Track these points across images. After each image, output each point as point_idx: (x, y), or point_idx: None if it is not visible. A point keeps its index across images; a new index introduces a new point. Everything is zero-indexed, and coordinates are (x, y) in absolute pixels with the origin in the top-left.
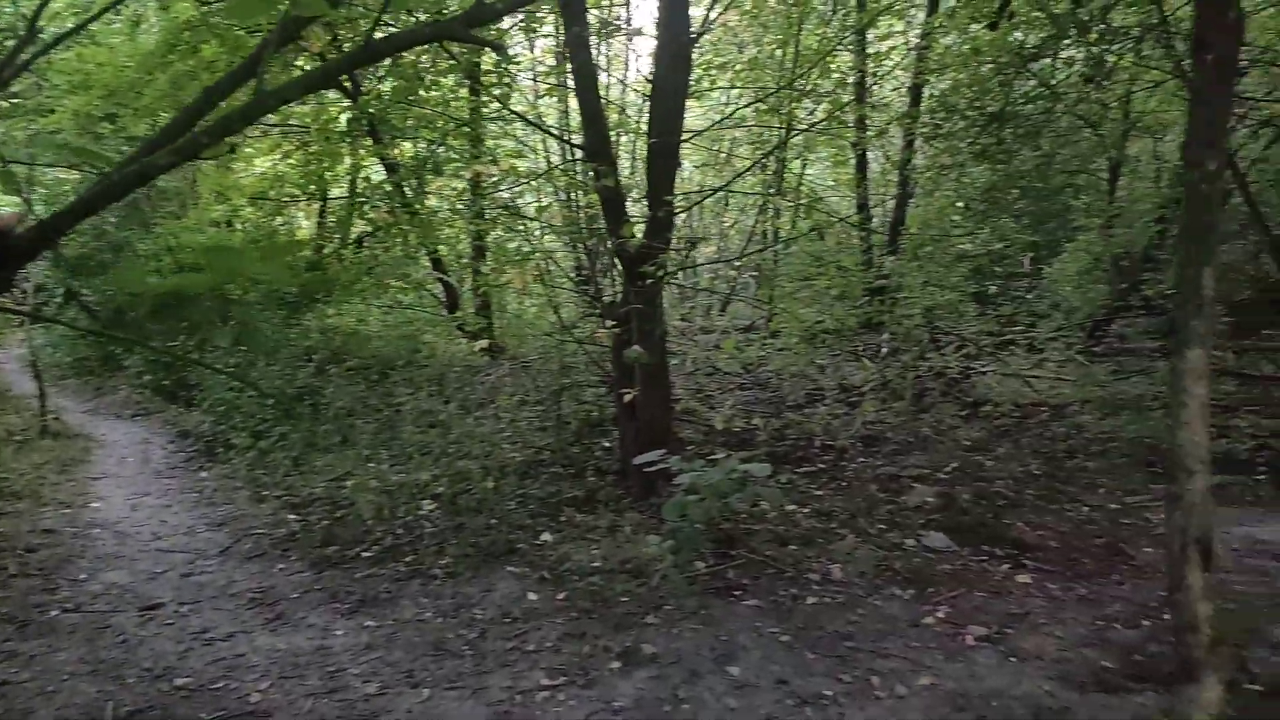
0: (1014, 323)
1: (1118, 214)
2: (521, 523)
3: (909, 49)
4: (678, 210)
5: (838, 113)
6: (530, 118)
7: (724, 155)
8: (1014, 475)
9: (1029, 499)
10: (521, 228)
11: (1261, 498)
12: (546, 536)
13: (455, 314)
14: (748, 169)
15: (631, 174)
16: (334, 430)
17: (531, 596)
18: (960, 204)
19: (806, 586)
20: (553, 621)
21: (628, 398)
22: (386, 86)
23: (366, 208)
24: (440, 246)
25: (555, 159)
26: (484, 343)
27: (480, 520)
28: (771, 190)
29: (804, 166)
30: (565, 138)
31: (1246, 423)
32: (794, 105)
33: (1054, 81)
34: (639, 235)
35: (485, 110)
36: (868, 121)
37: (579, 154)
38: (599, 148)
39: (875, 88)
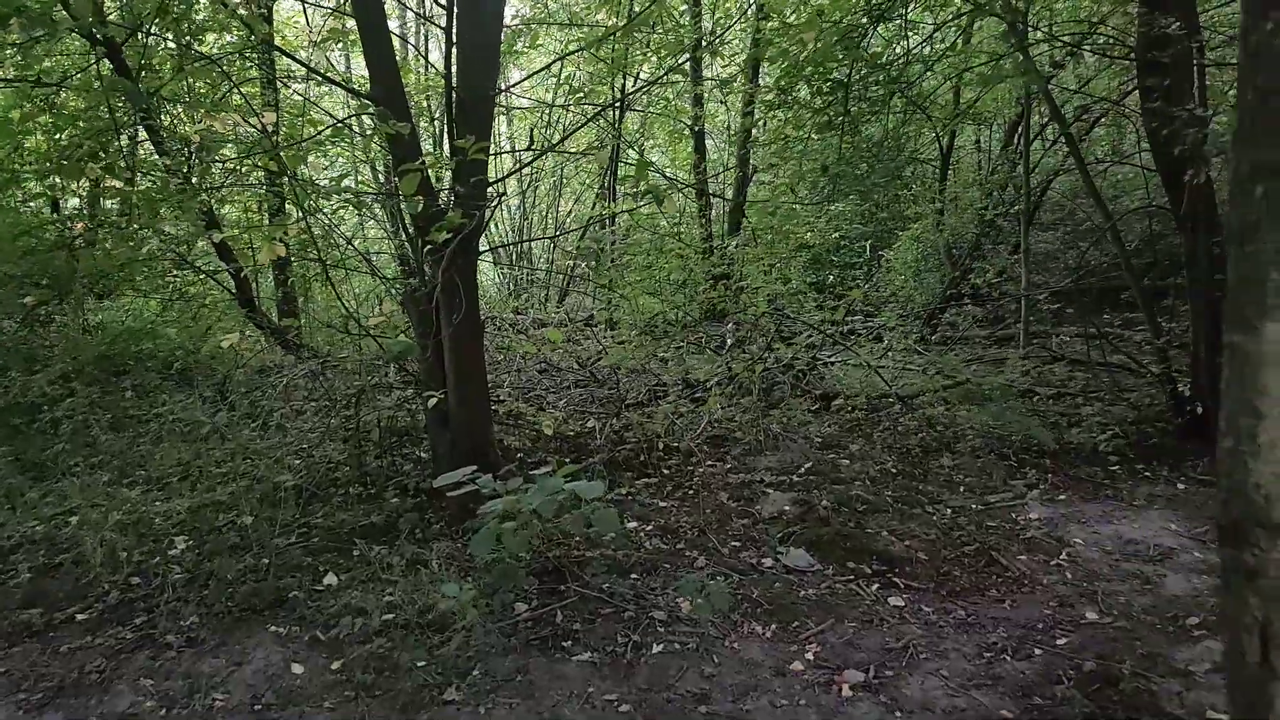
0: (858, 311)
1: (952, 200)
2: (299, 562)
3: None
4: (504, 178)
5: (674, 67)
6: (314, 67)
7: (548, 117)
8: (871, 475)
9: (889, 502)
10: (315, 197)
11: (1120, 490)
12: (330, 579)
13: (251, 306)
14: (578, 127)
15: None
16: (71, 451)
17: (296, 669)
18: (802, 183)
19: (651, 629)
20: (319, 707)
21: (432, 401)
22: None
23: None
24: (233, 229)
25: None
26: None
27: (246, 561)
28: (598, 149)
29: (641, 141)
30: (351, 86)
31: (1094, 410)
32: (627, 61)
33: (889, 58)
34: (438, 201)
35: (249, 53)
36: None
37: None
38: (389, 95)
39: (715, 58)
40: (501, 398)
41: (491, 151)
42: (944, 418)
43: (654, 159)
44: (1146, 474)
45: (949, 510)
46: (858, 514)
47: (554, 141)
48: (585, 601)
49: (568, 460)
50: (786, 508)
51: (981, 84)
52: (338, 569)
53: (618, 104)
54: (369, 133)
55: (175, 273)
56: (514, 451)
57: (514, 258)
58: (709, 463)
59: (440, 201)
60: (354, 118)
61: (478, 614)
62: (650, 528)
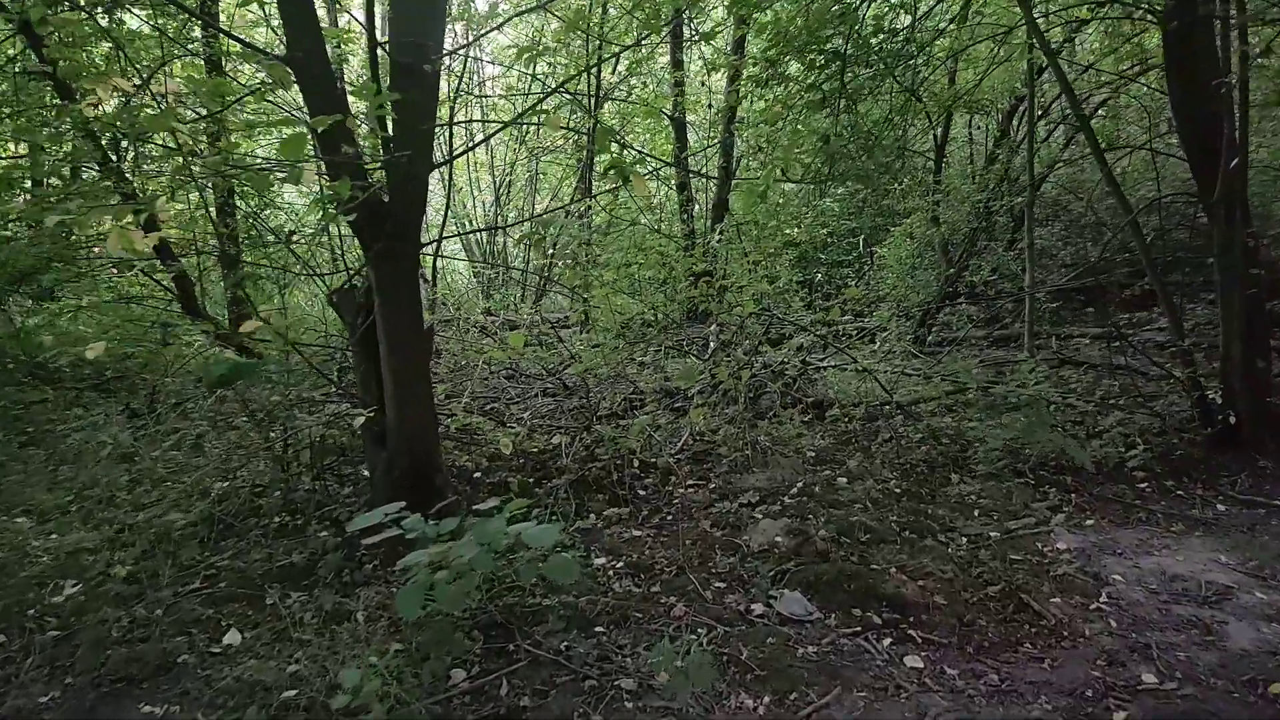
0: (847, 311)
1: (947, 192)
2: (198, 615)
3: None
4: (452, 159)
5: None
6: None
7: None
8: (872, 497)
9: (895, 530)
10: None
11: (1153, 513)
12: (232, 637)
13: (194, 309)
14: (544, 96)
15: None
16: None
17: None
18: (793, 167)
19: (617, 703)
20: None
21: (361, 419)
22: None
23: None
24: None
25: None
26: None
27: (135, 613)
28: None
29: (621, 134)
30: (259, 48)
31: (1115, 420)
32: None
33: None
34: (367, 181)
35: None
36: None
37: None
38: (309, 59)
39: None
40: (455, 410)
41: (443, 122)
42: (949, 429)
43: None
44: (1179, 493)
45: (965, 540)
46: (860, 545)
47: (521, 119)
48: (537, 666)
49: (530, 480)
50: (778, 538)
51: (984, 61)
52: (243, 623)
53: (592, 68)
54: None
55: (113, 271)
56: (469, 472)
57: (487, 254)
58: (690, 482)
59: (375, 182)
60: (266, 87)
61: (384, 711)
62: (621, 565)
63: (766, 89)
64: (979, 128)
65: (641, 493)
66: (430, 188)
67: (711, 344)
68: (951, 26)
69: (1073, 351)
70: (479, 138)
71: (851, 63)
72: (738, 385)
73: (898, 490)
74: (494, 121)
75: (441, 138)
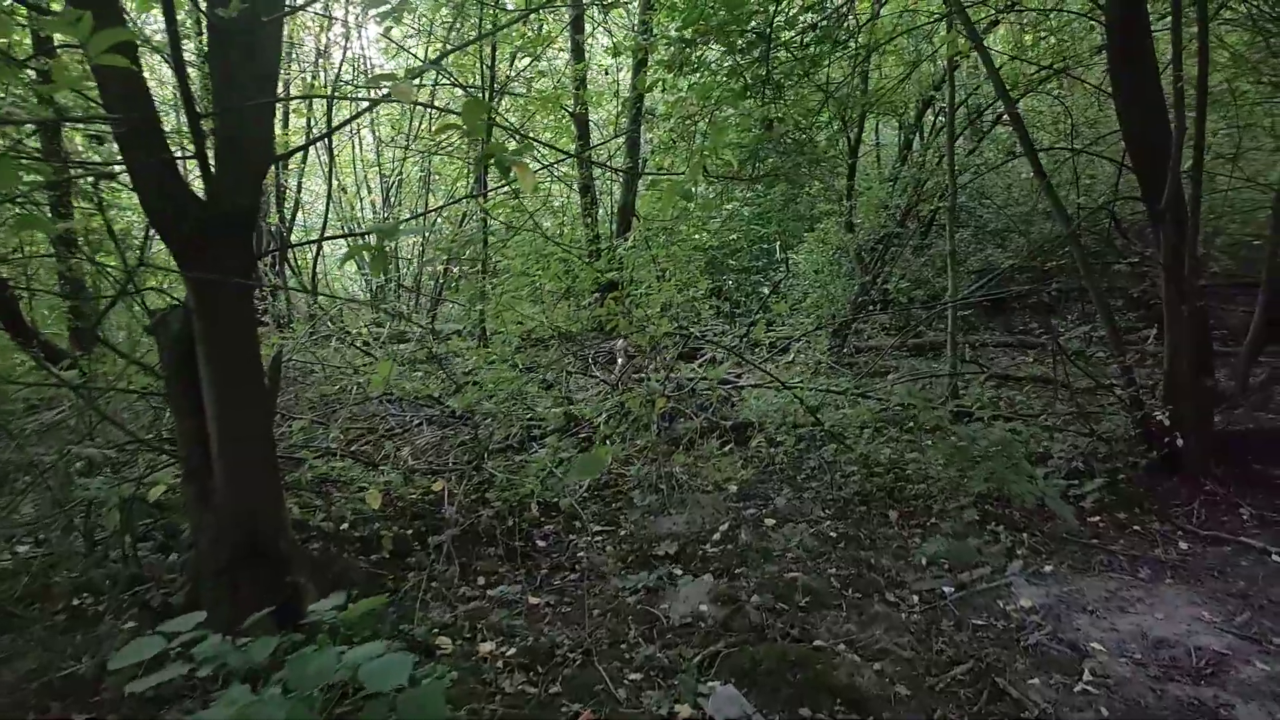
0: (768, 322)
1: (861, 196)
2: None
3: None
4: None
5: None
6: None
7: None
8: (806, 544)
9: (837, 588)
10: None
11: (1114, 555)
12: None
13: (17, 328)
14: (424, 69)
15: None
16: None
17: None
18: (712, 159)
19: None
20: None
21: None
22: None
23: None
24: None
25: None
26: None
27: None
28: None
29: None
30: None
31: (1061, 444)
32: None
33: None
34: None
35: None
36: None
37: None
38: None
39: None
40: (330, 447)
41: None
42: (883, 457)
43: (534, 152)
44: (1136, 528)
45: (916, 599)
46: (800, 613)
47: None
48: None
49: (407, 533)
50: (704, 607)
51: (899, 62)
52: None
53: (483, 38)
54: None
55: None
56: (328, 534)
57: (374, 262)
58: (597, 529)
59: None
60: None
61: None
62: (513, 651)
63: (680, 75)
64: (891, 129)
65: (541, 544)
66: (315, 193)
67: (619, 360)
68: (877, 19)
69: (988, 360)
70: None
71: (777, 46)
72: (649, 412)
73: (834, 534)
74: (346, 97)
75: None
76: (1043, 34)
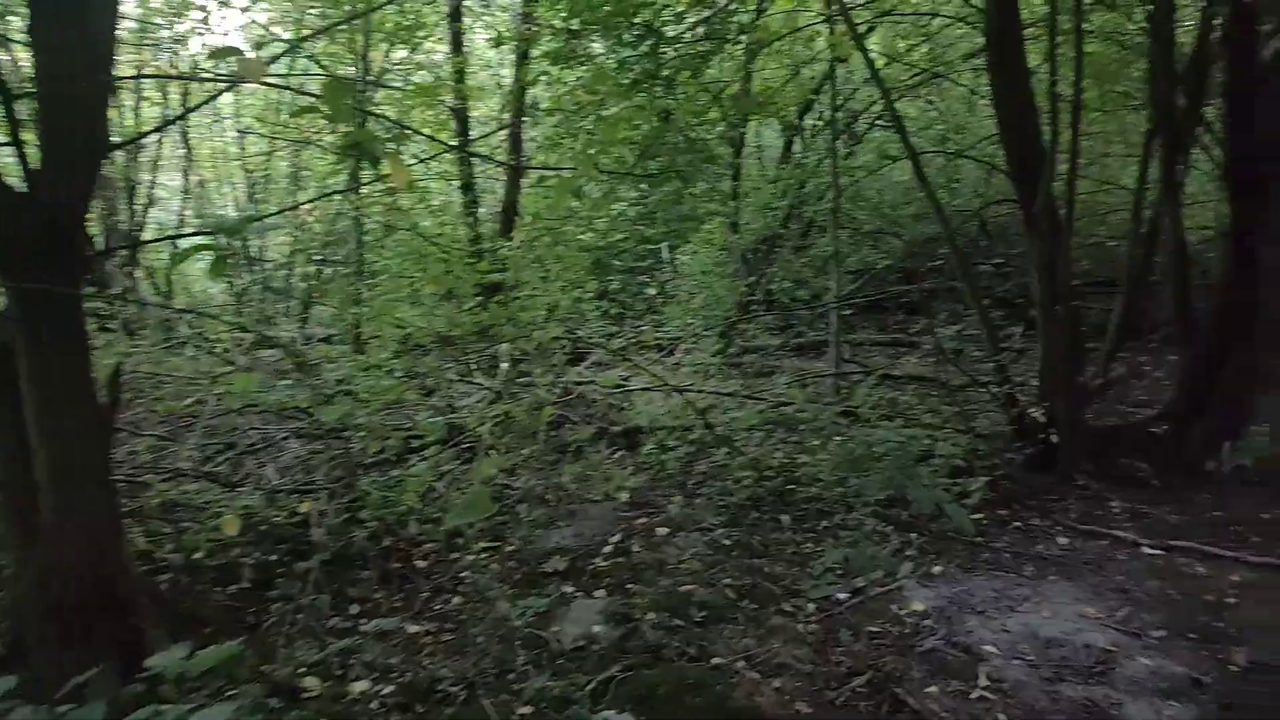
0: (655, 324)
1: (746, 197)
2: None
3: None
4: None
5: None
6: None
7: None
8: (700, 554)
9: (733, 599)
10: None
11: (999, 553)
12: None
13: None
14: (285, 49)
15: None
16: None
17: None
18: (601, 155)
19: None
20: None
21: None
22: None
23: None
24: None
25: None
26: None
27: None
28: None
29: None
30: None
31: (943, 442)
32: None
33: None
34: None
35: None
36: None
37: None
38: None
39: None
40: (180, 468)
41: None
42: (774, 460)
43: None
44: (1017, 524)
45: (813, 606)
46: (697, 629)
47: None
48: None
49: (272, 559)
50: (597, 628)
51: (780, 64)
52: None
53: (359, 17)
54: None
55: None
56: (178, 567)
57: (241, 260)
58: (481, 546)
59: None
60: None
61: None
62: (389, 690)
63: (566, 68)
64: (773, 131)
65: (421, 564)
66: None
67: (503, 366)
68: (763, 17)
69: (867, 359)
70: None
71: (665, 42)
72: (535, 420)
73: (727, 542)
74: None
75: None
76: (917, 40)
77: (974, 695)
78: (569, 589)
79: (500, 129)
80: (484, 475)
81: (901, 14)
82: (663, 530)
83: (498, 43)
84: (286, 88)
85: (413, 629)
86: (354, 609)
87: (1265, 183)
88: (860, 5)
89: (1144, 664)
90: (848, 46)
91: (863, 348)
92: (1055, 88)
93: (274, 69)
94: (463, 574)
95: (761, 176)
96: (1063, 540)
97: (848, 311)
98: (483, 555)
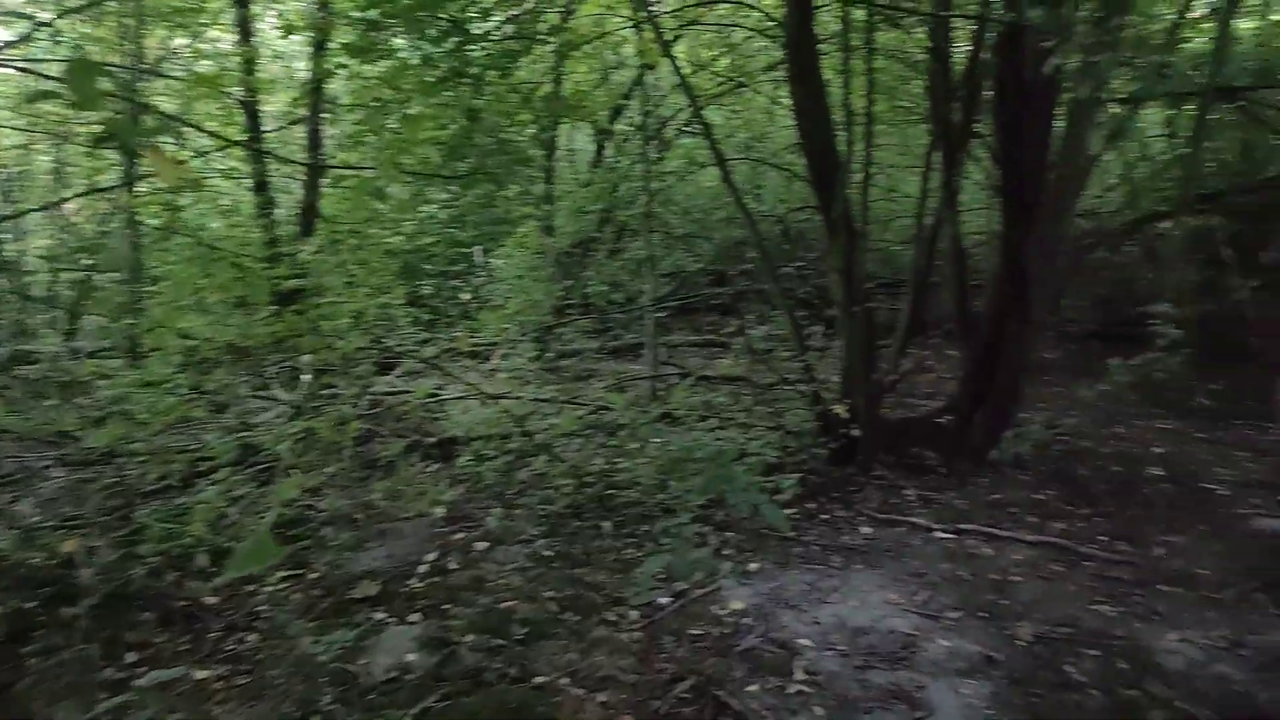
0: (471, 329)
1: (560, 200)
2: None
3: None
4: None
5: None
6: None
7: None
8: (521, 568)
9: (555, 612)
10: None
11: (809, 546)
12: None
13: None
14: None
15: None
16: None
17: None
18: (410, 164)
19: None
20: None
21: None
22: None
23: None
24: None
25: None
26: None
27: None
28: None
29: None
30: None
31: (756, 440)
32: None
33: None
34: None
35: None
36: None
37: None
38: None
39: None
40: None
41: None
42: (592, 465)
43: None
44: (825, 517)
45: (635, 614)
46: (519, 648)
47: None
48: None
49: (32, 606)
50: (411, 656)
51: (590, 67)
52: None
53: None
54: None
55: None
56: None
57: None
58: (281, 575)
59: None
60: None
61: None
62: None
63: (366, 62)
64: (584, 134)
65: (211, 600)
66: None
67: (304, 378)
68: (571, 18)
69: (682, 360)
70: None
71: (473, 39)
72: (342, 435)
73: (549, 553)
74: None
75: None
76: (721, 50)
77: (791, 690)
78: (380, 616)
79: (292, 123)
80: (283, 497)
81: (706, 24)
82: (481, 545)
83: (288, 31)
84: (28, 70)
85: (201, 675)
86: (131, 657)
87: (1030, 194)
88: (666, 13)
89: (943, 645)
90: (655, 53)
91: (679, 349)
92: (849, 101)
93: (31, 54)
94: (260, 609)
95: (575, 180)
96: (865, 530)
97: (663, 314)
98: (283, 586)
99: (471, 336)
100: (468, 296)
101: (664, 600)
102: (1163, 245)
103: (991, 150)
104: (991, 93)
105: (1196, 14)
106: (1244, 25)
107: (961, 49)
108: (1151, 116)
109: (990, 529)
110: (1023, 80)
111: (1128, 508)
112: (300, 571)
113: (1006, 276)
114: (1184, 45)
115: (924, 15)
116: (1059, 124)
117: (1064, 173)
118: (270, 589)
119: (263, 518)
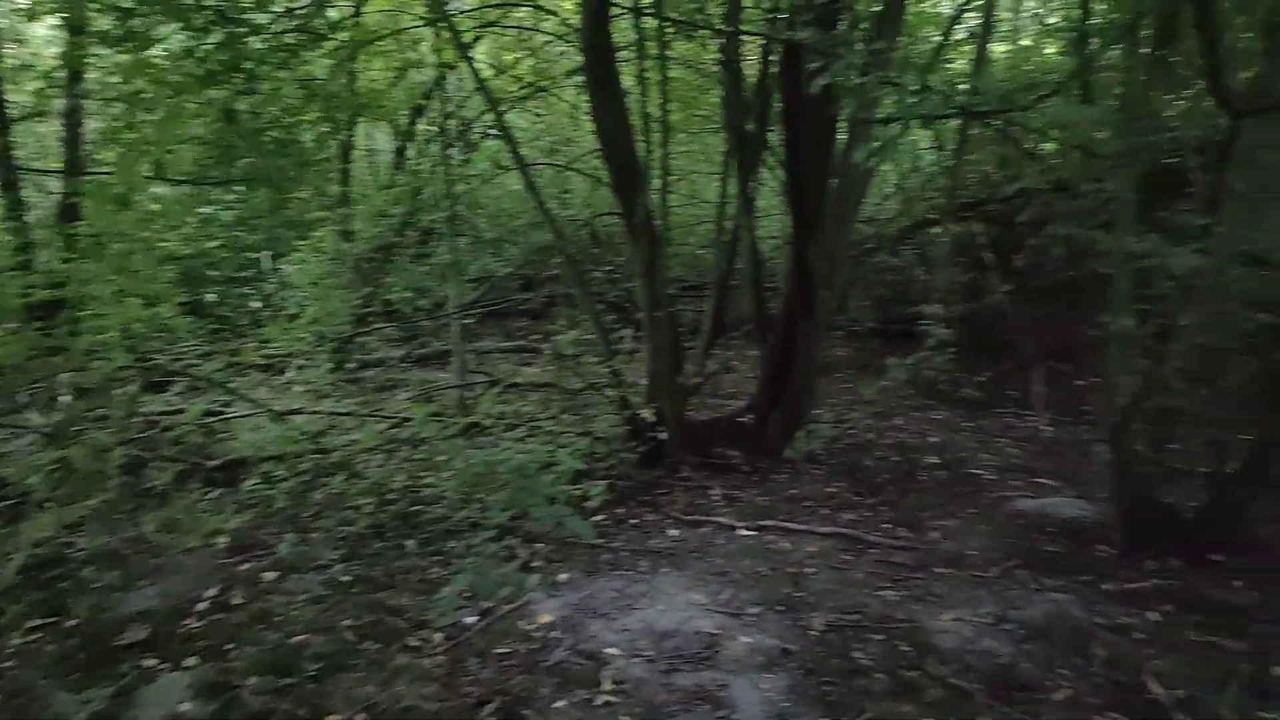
0: (262, 340)
1: (357, 204)
2: None
3: None
4: None
5: None
6: None
7: None
8: (316, 596)
9: (353, 642)
10: None
11: (618, 552)
12: None
13: None
14: None
15: None
16: None
17: None
18: (173, 166)
19: None
20: None
21: None
22: None
23: None
24: None
25: None
26: None
27: None
28: None
29: None
30: None
31: (566, 448)
32: None
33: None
34: None
35: None
36: None
37: None
38: None
39: None
40: None
41: None
42: (395, 481)
43: None
44: (634, 522)
45: (440, 636)
46: (311, 685)
47: None
48: None
49: None
50: (185, 706)
51: (387, 64)
52: None
53: None
54: None
55: None
56: None
57: None
58: (34, 624)
59: None
60: None
61: None
62: None
63: (125, 51)
64: (385, 135)
65: None
66: None
67: (62, 400)
68: (360, 15)
69: (493, 367)
70: None
71: (246, 31)
72: (105, 463)
73: (347, 578)
74: None
75: None
76: (521, 54)
77: (599, 701)
78: (152, 662)
79: (35, 115)
80: (34, 536)
81: (506, 26)
82: (271, 575)
83: (31, 15)
84: None
85: None
86: None
87: (813, 202)
88: (463, 13)
89: (744, 642)
90: (452, 54)
91: (489, 356)
92: (646, 108)
93: None
94: (5, 665)
95: (375, 182)
96: (673, 532)
97: (471, 320)
98: (33, 637)
99: (262, 348)
100: (258, 305)
101: (470, 620)
102: (932, 250)
103: (781, 160)
104: (781, 106)
105: (958, 37)
106: (999, 49)
107: (753, 62)
108: (923, 131)
109: (787, 524)
110: (801, 97)
111: (907, 495)
112: (55, 619)
113: (796, 279)
114: (948, 66)
115: (712, 30)
116: (842, 137)
117: (843, 183)
118: (18, 642)
119: (10, 559)
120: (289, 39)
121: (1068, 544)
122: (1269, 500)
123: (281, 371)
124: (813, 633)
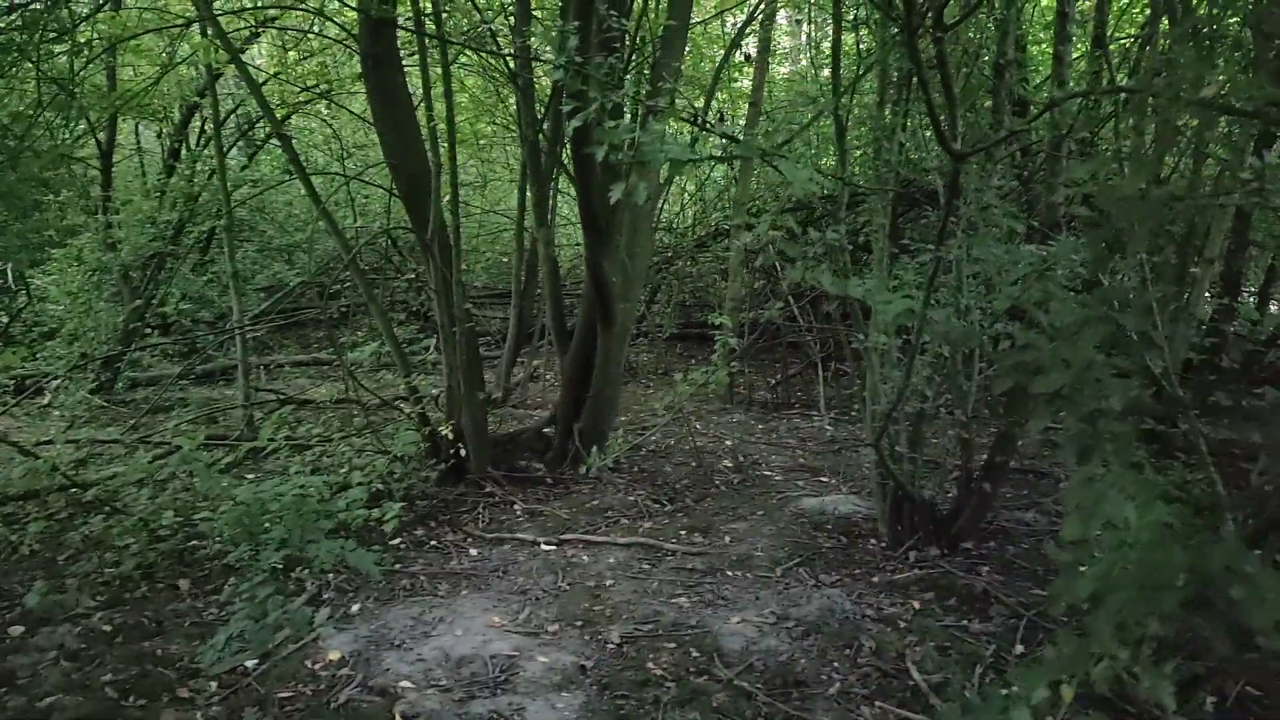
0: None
1: (120, 211)
2: None
3: None
4: None
5: None
6: None
7: None
8: (70, 646)
9: (115, 698)
10: None
11: (416, 575)
12: None
13: None
14: None
15: None
16: None
17: None
18: None
19: None
20: None
21: None
22: None
23: None
24: None
25: None
26: None
27: None
28: None
29: None
30: None
31: (361, 469)
32: None
33: None
34: None
35: None
36: None
37: None
38: None
39: None
40: None
41: None
42: (165, 517)
43: None
44: (434, 544)
45: (215, 685)
46: None
47: None
48: None
49: None
50: None
51: (154, 61)
52: None
53: None
54: None
55: None
56: None
57: None
58: None
59: None
60: None
61: None
62: None
63: None
64: (151, 135)
65: None
66: None
67: None
68: (118, 11)
69: (286, 383)
70: None
71: None
72: None
73: (108, 627)
74: None
75: None
76: (305, 55)
77: None
78: None
79: None
80: None
81: (285, 27)
82: (17, 630)
83: None
84: None
85: None
86: None
87: (603, 215)
88: (232, 12)
89: (541, 662)
90: (220, 54)
91: (282, 370)
92: (431, 120)
93: None
94: None
95: (143, 185)
96: (474, 551)
97: (260, 332)
98: None
99: (9, 370)
100: (6, 320)
101: (251, 664)
102: (726, 258)
103: (571, 175)
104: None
105: (739, 57)
106: (780, 71)
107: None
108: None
109: (588, 536)
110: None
111: (703, 500)
112: None
113: (593, 289)
114: (733, 84)
115: (486, 52)
116: None
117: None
118: None
119: None
120: (15, 35)
121: (843, 540)
122: (1009, 491)
123: (38, 393)
124: (610, 646)
